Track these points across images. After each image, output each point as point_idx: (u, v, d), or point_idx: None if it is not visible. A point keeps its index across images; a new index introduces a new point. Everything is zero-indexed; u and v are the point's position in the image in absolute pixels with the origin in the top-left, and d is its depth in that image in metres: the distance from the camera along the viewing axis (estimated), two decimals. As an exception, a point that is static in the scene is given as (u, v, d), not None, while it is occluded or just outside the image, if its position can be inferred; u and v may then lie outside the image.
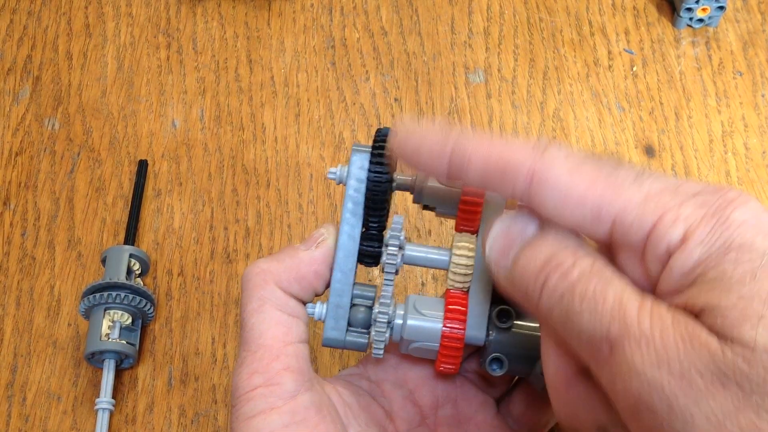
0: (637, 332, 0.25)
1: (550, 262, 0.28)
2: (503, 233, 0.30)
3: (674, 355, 0.25)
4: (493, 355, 0.36)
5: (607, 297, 0.27)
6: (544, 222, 0.30)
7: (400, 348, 0.37)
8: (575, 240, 0.29)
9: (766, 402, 0.23)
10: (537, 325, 0.36)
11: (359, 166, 0.36)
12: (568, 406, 0.30)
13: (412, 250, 0.37)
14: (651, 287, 0.28)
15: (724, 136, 0.56)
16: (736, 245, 0.25)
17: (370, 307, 0.37)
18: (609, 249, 0.29)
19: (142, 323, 0.49)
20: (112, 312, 0.47)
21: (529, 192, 0.28)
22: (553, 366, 0.30)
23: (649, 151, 0.55)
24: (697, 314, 0.25)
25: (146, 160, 0.54)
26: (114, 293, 0.47)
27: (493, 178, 0.29)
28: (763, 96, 0.57)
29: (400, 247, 0.37)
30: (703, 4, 0.57)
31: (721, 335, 0.24)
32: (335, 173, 0.36)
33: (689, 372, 0.24)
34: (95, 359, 0.47)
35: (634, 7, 0.60)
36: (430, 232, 0.53)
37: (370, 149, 0.36)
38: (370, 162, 0.35)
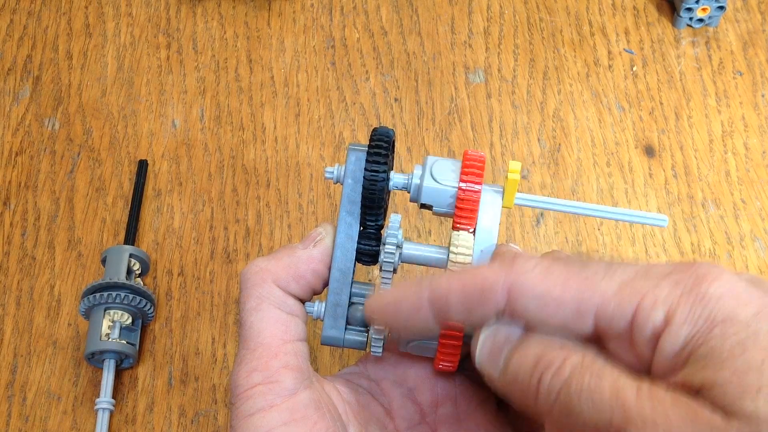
0: (639, 418, 0.26)
1: (540, 361, 0.29)
2: (491, 339, 0.31)
3: None
4: None
5: (603, 388, 0.27)
6: (529, 327, 0.30)
7: (398, 346, 0.37)
8: (558, 339, 0.29)
9: None
10: None
11: (355, 166, 0.36)
12: None
13: (410, 249, 0.37)
14: (646, 370, 0.28)
15: (724, 136, 0.56)
16: (719, 319, 0.26)
17: None
18: (597, 340, 0.29)
19: (142, 323, 0.49)
20: (112, 312, 0.47)
21: (510, 306, 0.29)
22: None
23: (649, 151, 0.55)
24: (696, 392, 0.26)
25: (146, 160, 0.54)
26: (114, 293, 0.47)
27: (474, 306, 0.30)
28: (763, 96, 0.57)
29: (398, 246, 0.37)
30: (703, 4, 0.57)
31: (723, 410, 0.25)
32: (332, 172, 0.36)
33: None
34: (95, 359, 0.47)
35: (634, 7, 0.60)
36: (430, 231, 0.53)
37: (366, 149, 0.36)
38: (367, 161, 0.36)
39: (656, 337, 0.27)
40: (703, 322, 0.26)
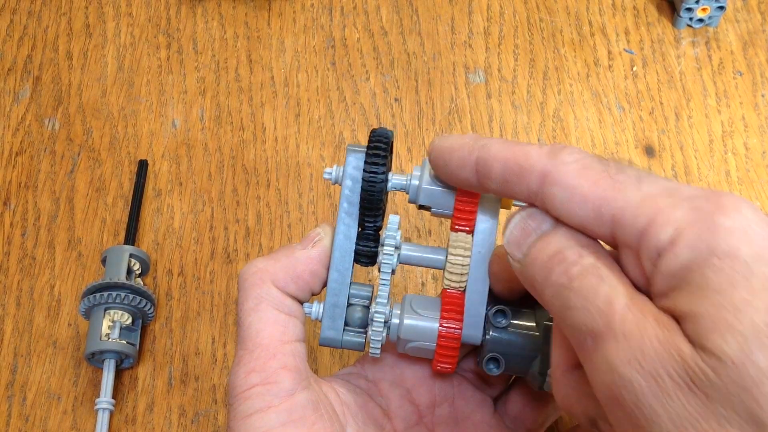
0: (618, 330, 0.26)
1: (555, 256, 0.29)
2: (520, 225, 0.31)
3: (649, 356, 0.25)
4: (490, 354, 0.36)
5: (599, 294, 0.27)
6: (558, 221, 0.31)
7: (397, 347, 0.37)
8: (585, 238, 0.30)
9: (728, 412, 0.24)
10: (533, 324, 0.37)
11: (354, 167, 0.36)
12: (564, 394, 0.31)
13: (408, 250, 0.37)
14: (648, 287, 0.28)
15: (724, 136, 0.56)
16: (720, 252, 0.25)
17: (367, 307, 0.37)
18: (616, 247, 0.30)
19: (142, 323, 0.49)
20: (112, 312, 0.47)
21: (541, 192, 0.30)
22: (556, 354, 0.31)
23: (649, 151, 0.55)
24: (678, 318, 0.26)
25: (146, 160, 0.54)
26: (114, 293, 0.47)
27: (510, 180, 0.31)
28: (763, 96, 0.57)
29: (397, 247, 0.37)
30: (703, 4, 0.57)
31: (695, 342, 0.25)
32: (331, 173, 0.36)
33: (660, 373, 0.25)
34: (95, 359, 0.47)
35: (634, 7, 0.60)
36: (430, 232, 0.53)
37: (365, 149, 0.36)
38: (365, 162, 0.36)
39: (659, 256, 0.27)
40: (705, 250, 0.26)
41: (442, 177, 0.35)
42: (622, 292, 0.27)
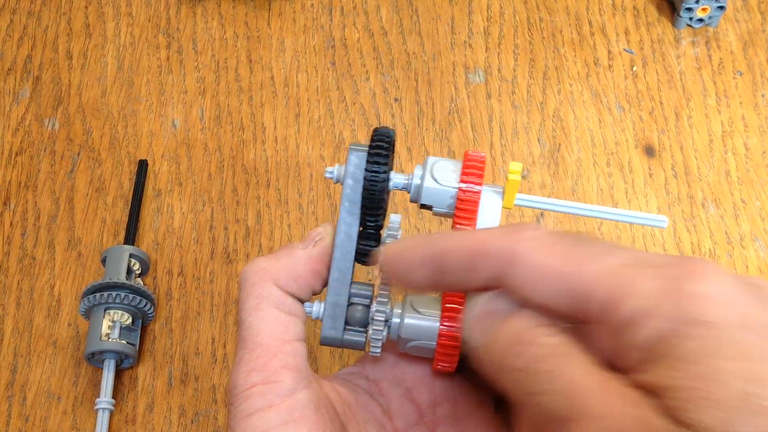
0: (589, 413, 0.24)
1: (518, 339, 0.28)
2: (482, 309, 0.30)
3: None
4: None
5: (564, 377, 0.26)
6: (522, 304, 0.29)
7: (398, 346, 0.37)
8: (548, 319, 0.28)
9: None
10: None
11: (356, 166, 0.36)
12: None
13: None
14: (620, 363, 0.27)
15: (724, 136, 0.56)
16: (691, 320, 0.24)
17: (368, 306, 0.37)
18: (584, 322, 0.28)
19: (142, 323, 0.49)
20: (112, 312, 0.47)
21: (507, 273, 0.28)
22: None
23: (649, 151, 0.55)
24: (654, 393, 0.24)
25: (146, 160, 0.54)
26: (114, 293, 0.47)
27: (469, 268, 0.29)
28: (763, 96, 0.57)
29: None
30: (703, 4, 0.57)
31: (672, 418, 0.23)
32: (332, 172, 0.36)
33: None
34: (95, 359, 0.47)
35: (634, 7, 0.60)
36: (430, 231, 0.53)
37: (367, 149, 0.36)
38: (367, 161, 0.36)
39: (627, 329, 0.26)
40: (675, 320, 0.24)
41: (396, 282, 0.33)
42: (590, 373, 0.25)
